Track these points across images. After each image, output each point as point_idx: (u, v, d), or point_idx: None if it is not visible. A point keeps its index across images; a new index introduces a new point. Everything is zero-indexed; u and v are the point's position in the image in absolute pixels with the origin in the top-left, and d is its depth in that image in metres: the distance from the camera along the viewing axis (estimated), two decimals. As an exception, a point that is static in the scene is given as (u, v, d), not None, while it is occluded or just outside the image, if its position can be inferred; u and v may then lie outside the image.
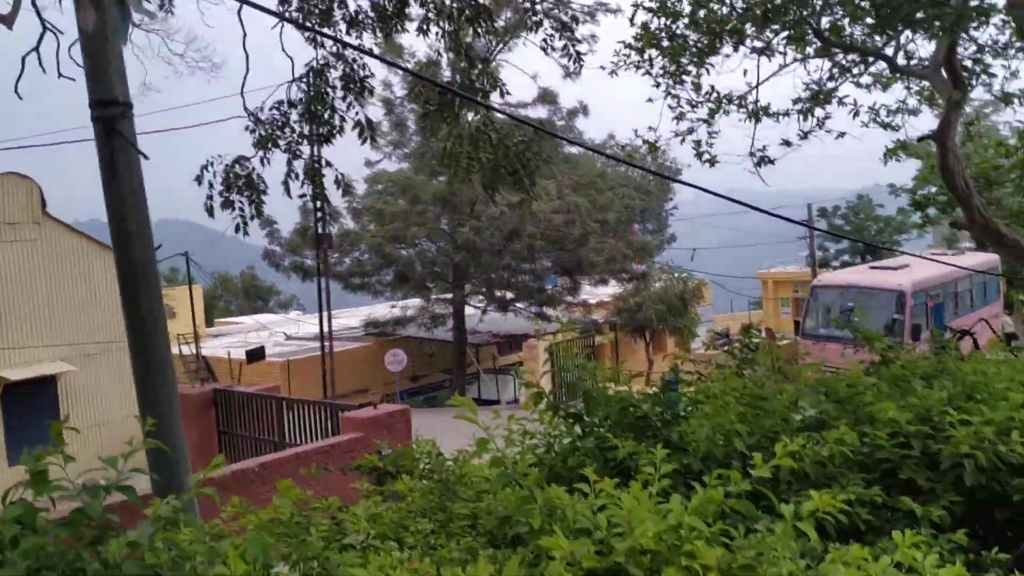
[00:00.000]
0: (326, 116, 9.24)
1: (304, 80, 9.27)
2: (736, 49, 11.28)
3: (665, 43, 11.19)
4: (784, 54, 11.76)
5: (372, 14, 9.64)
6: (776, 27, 10.75)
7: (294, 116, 9.25)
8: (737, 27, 10.55)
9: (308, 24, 9.50)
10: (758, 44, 11.27)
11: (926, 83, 11.78)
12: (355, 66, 9.39)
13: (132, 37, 7.16)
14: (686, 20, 10.93)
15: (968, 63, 11.53)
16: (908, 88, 12.89)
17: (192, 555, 2.67)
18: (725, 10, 10.72)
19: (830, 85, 12.19)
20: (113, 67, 5.72)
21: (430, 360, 36.76)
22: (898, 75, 12.04)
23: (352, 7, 9.72)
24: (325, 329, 28.21)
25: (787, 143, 11.98)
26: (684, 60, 11.49)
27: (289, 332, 37.83)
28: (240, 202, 8.82)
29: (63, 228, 22.36)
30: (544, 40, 10.23)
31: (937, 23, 9.42)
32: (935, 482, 4.22)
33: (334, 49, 9.40)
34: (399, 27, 9.85)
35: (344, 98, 9.26)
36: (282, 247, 34.71)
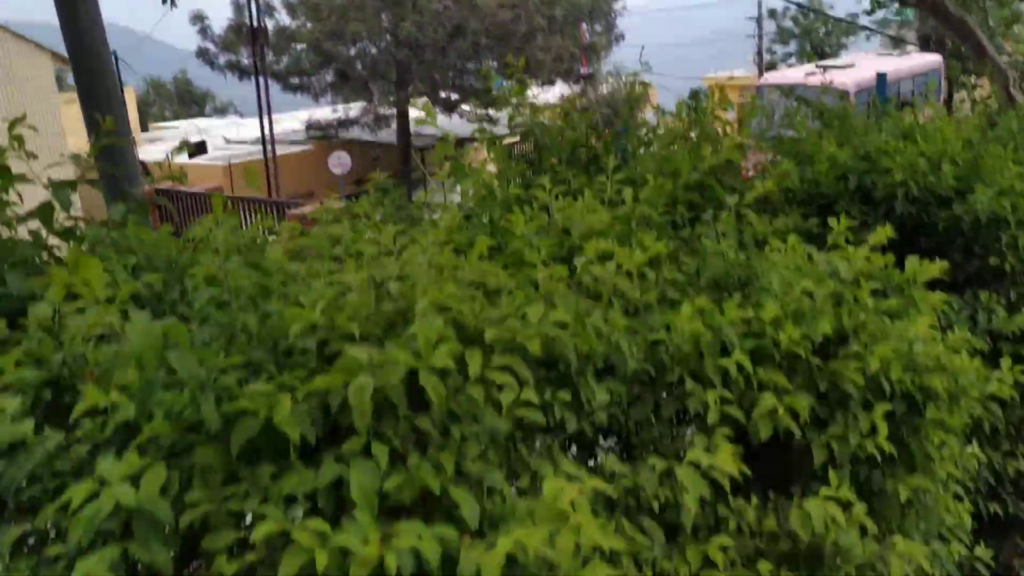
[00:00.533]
0: None
1: None
2: None
3: None
4: None
5: None
6: None
7: None
8: None
9: None
10: None
11: None
12: None
13: None
14: None
15: None
16: None
17: (164, 244, 2.75)
18: None
19: None
20: None
21: (375, 163, 36.29)
22: None
23: None
24: (266, 131, 27.48)
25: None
26: None
27: (228, 136, 36.82)
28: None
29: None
30: None
31: None
32: (867, 215, 4.47)
33: None
34: None
35: None
36: (216, 45, 33.17)
